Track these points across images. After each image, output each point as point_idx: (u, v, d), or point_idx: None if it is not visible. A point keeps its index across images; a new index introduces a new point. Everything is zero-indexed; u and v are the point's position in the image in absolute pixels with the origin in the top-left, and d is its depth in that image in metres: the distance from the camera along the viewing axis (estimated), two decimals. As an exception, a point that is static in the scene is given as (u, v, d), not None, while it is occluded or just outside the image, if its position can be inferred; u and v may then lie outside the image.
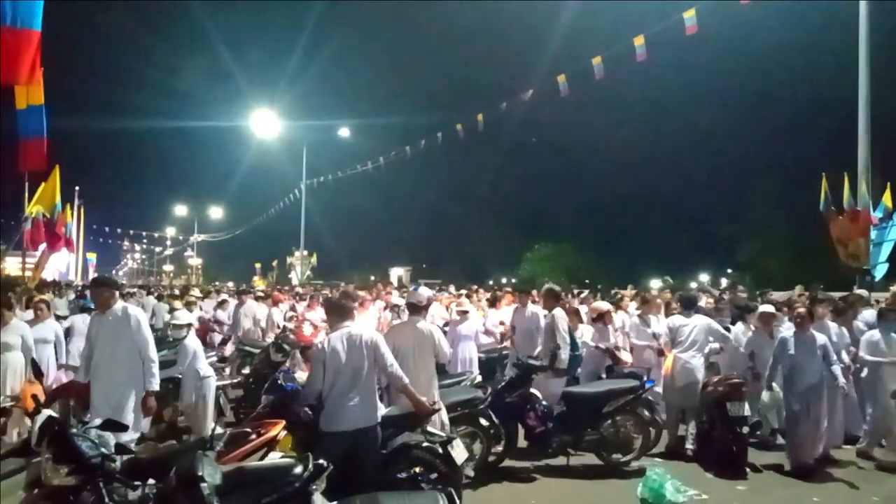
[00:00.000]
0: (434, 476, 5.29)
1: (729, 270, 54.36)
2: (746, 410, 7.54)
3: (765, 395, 7.78)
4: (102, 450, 3.63)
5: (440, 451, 5.37)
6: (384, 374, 5.38)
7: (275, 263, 62.05)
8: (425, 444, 5.42)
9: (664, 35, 15.32)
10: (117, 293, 6.45)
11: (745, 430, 7.54)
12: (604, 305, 9.98)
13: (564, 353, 8.18)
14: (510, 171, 70.23)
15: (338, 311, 5.53)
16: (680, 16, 14.04)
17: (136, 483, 3.61)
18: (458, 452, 5.44)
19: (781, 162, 49.93)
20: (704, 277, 52.56)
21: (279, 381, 5.86)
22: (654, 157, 61.56)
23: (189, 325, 8.02)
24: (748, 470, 7.46)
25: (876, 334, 8.09)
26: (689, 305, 8.69)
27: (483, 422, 7.01)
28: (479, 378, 8.74)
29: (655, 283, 46.88)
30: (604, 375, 9.01)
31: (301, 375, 6.31)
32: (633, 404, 7.50)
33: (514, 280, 53.84)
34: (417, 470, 5.25)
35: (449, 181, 70.97)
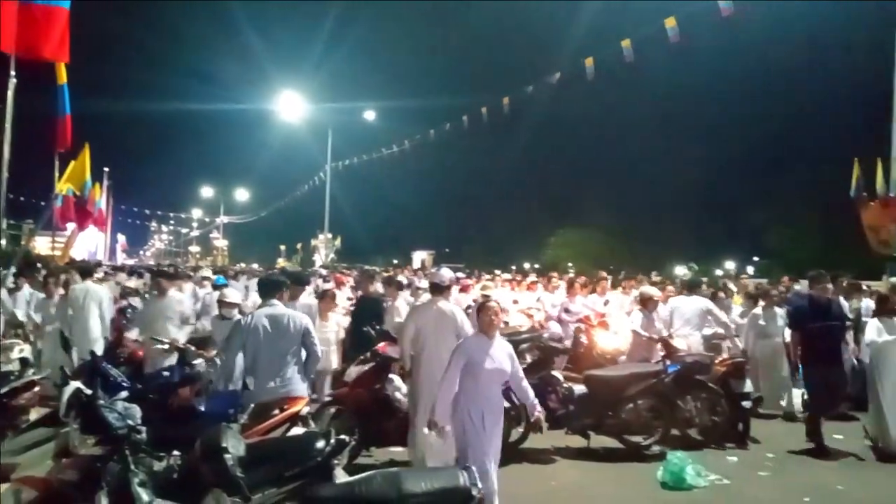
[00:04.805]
0: None
1: (756, 258, 53.71)
2: (748, 387, 8.08)
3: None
4: (129, 421, 3.69)
5: None
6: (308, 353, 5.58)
7: (299, 246, 62.39)
8: None
9: (697, 17, 15.07)
10: None
11: (748, 404, 8.01)
12: (652, 291, 9.50)
13: None
14: (535, 155, 69.44)
15: (272, 288, 5.73)
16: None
17: (161, 454, 3.69)
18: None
19: (812, 148, 49.03)
20: (731, 265, 51.95)
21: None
22: (682, 142, 60.51)
23: (238, 305, 7.56)
24: (770, 455, 7.50)
25: None
26: (691, 287, 9.66)
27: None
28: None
29: (680, 270, 46.46)
30: None
31: None
32: (655, 388, 7.46)
33: (537, 265, 53.66)
34: None
35: (473, 165, 70.48)
